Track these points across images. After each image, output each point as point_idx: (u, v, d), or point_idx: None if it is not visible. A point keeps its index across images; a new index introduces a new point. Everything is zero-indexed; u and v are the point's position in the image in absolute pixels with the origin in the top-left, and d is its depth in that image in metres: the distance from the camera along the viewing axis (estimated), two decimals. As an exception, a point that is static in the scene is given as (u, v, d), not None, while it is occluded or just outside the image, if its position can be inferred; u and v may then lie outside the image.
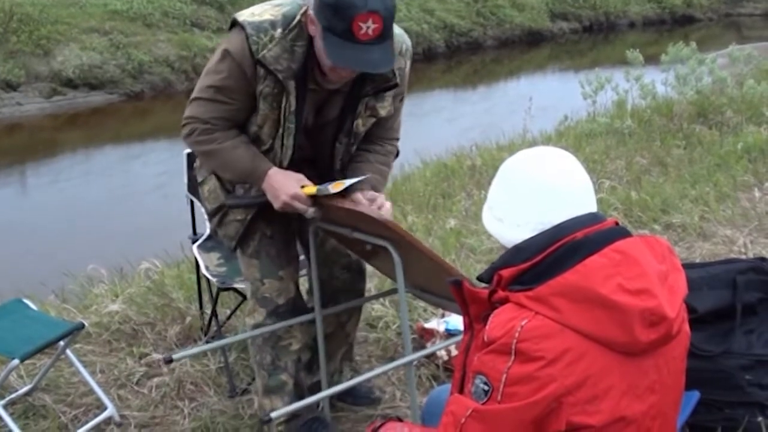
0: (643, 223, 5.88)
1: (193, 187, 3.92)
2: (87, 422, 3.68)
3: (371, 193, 3.09)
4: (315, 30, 2.89)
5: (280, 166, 3.13)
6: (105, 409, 3.73)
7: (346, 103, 3.15)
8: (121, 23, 17.76)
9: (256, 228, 3.27)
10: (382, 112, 3.19)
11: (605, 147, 8.50)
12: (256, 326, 3.32)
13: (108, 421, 3.70)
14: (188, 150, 4.00)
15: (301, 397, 3.38)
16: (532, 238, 1.98)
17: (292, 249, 3.40)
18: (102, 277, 5.18)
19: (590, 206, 2.04)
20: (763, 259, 3.80)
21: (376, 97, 3.15)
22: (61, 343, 3.74)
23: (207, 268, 4.00)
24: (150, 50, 17.21)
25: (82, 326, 3.82)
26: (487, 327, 1.91)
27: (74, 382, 3.98)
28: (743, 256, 4.97)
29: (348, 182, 2.96)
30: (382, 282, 4.52)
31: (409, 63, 3.20)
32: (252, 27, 2.93)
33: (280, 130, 3.08)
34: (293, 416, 3.43)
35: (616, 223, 2.03)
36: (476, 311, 2.03)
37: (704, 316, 3.48)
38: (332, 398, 3.67)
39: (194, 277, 4.43)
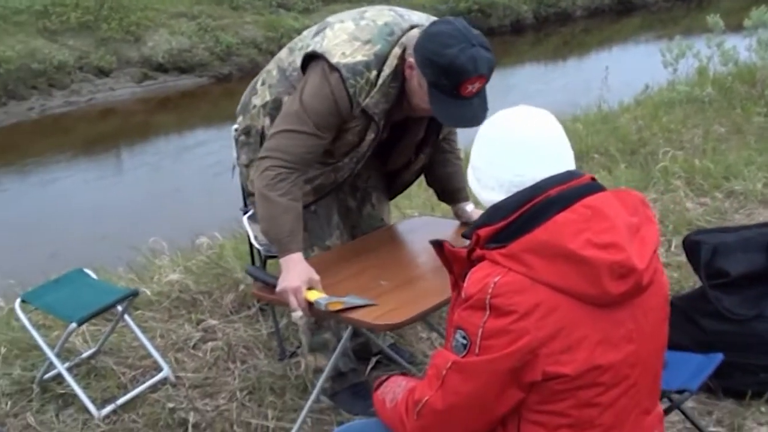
0: (704, 191, 5.85)
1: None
2: (144, 382, 3.90)
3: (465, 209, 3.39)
4: (412, 74, 3.00)
5: (338, 181, 3.33)
6: (161, 370, 3.94)
7: (430, 125, 3.33)
8: (208, 7, 18.04)
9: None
10: None
11: (683, 116, 8.37)
12: None
13: (164, 381, 3.92)
14: (236, 125, 4.15)
15: (346, 356, 3.57)
16: (508, 197, 2.04)
17: (333, 219, 3.54)
18: (164, 250, 5.42)
19: (567, 163, 2.09)
20: (801, 223, 3.78)
21: None
22: (119, 308, 3.98)
23: (255, 237, 4.16)
24: (237, 32, 17.47)
25: (137, 292, 4.06)
26: (464, 284, 2.01)
27: (134, 346, 4.21)
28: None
29: (348, 302, 2.90)
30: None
31: None
32: (347, 70, 3.01)
33: (356, 155, 3.25)
34: (339, 374, 3.59)
35: (593, 179, 2.09)
36: (458, 270, 2.12)
37: (737, 280, 3.51)
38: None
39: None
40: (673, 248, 4.90)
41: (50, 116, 14.83)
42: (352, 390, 3.63)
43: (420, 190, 6.06)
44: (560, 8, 23.50)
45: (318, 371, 3.55)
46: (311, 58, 3.12)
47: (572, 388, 1.94)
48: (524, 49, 21.22)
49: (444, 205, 3.94)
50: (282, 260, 3.06)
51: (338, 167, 3.32)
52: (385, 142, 3.37)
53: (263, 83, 3.42)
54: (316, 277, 2.99)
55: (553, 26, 23.23)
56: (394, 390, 2.28)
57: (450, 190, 3.58)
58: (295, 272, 2.98)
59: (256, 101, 3.41)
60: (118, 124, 15.08)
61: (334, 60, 3.02)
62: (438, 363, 2.04)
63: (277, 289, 2.98)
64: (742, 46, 10.18)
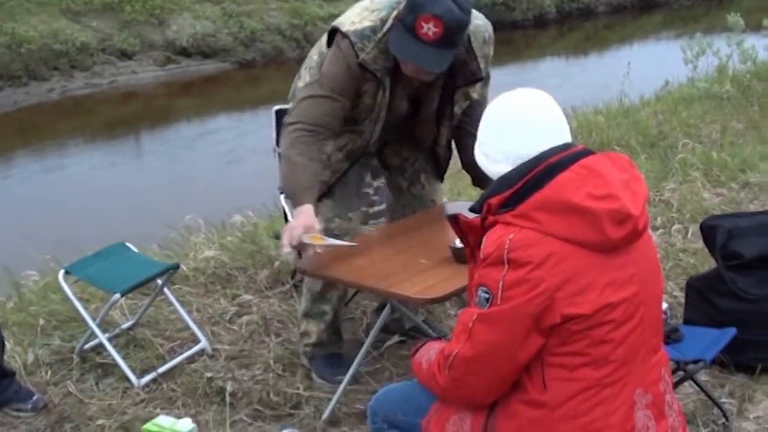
0: (721, 182, 6.04)
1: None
2: (182, 353, 4.09)
3: None
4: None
5: (367, 144, 3.58)
6: (198, 342, 4.13)
7: (443, 96, 3.54)
8: (233, -8, 18.22)
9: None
10: (475, 96, 3.59)
11: (702, 112, 8.56)
12: None
13: (201, 353, 4.10)
14: (277, 107, 4.34)
15: (335, 329, 3.86)
16: (514, 168, 2.28)
17: (362, 197, 3.77)
18: (200, 227, 5.62)
19: (564, 136, 2.34)
20: (813, 209, 3.95)
21: (469, 86, 3.53)
22: (159, 281, 4.17)
23: (292, 215, 4.34)
24: (262, 18, 17.67)
25: (178, 266, 4.24)
26: (481, 247, 2.24)
27: (172, 319, 4.40)
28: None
29: (328, 240, 3.30)
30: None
31: (492, 48, 3.55)
32: (355, 36, 3.32)
33: (373, 117, 3.49)
34: (321, 343, 3.86)
35: (584, 148, 2.33)
36: (473, 239, 2.36)
37: (751, 262, 3.70)
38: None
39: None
40: (689, 235, 5.08)
41: (71, 98, 15.03)
42: (326, 358, 3.88)
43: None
44: (583, 3, 23.64)
45: (305, 335, 3.87)
46: (332, 34, 3.43)
47: (587, 327, 2.16)
48: (546, 43, 21.38)
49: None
50: (294, 211, 3.37)
51: (361, 131, 3.57)
52: (407, 116, 3.62)
53: (305, 67, 3.66)
54: (317, 225, 3.29)
55: (576, 21, 23.33)
56: (428, 353, 2.48)
57: (483, 176, 3.74)
58: (301, 220, 3.28)
59: (299, 84, 3.64)
60: (140, 107, 15.28)
61: (344, 29, 3.34)
62: (464, 319, 2.27)
63: (287, 227, 3.32)
64: (761, 46, 10.34)
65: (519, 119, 2.33)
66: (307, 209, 3.31)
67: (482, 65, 3.49)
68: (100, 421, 3.61)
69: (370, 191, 4.41)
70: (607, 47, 20.80)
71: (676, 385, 3.10)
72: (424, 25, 3.10)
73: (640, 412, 2.26)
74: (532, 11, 22.05)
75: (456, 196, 5.59)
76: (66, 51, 15.32)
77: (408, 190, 3.91)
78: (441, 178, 3.98)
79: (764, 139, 7.15)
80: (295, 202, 3.38)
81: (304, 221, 3.25)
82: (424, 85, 3.49)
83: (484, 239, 2.24)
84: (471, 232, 2.38)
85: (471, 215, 2.41)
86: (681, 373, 3.22)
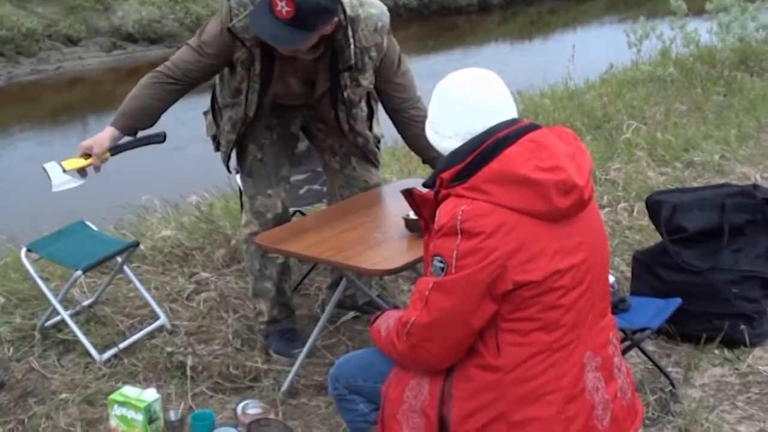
0: (665, 162, 6.22)
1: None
2: (142, 329, 4.15)
3: None
4: None
5: (247, 116, 3.70)
6: (158, 318, 4.20)
7: (331, 78, 3.62)
8: (178, -23, 18.14)
9: (249, 151, 3.84)
10: (364, 83, 3.65)
11: (646, 94, 8.72)
12: (251, 235, 3.83)
13: (160, 329, 4.17)
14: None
15: (283, 304, 3.98)
16: (464, 144, 2.39)
17: (281, 171, 3.90)
18: (156, 208, 5.66)
19: (511, 112, 2.46)
20: (755, 186, 4.10)
21: (357, 71, 3.58)
22: (119, 259, 4.22)
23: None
24: (207, 4, 17.61)
25: (137, 244, 4.31)
26: (435, 219, 2.35)
27: (131, 297, 4.47)
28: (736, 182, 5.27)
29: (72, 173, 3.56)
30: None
31: (386, 38, 3.60)
32: (235, 2, 3.42)
33: (247, 87, 3.60)
34: (274, 320, 3.98)
35: (531, 122, 2.45)
36: (428, 212, 2.46)
37: (694, 235, 3.84)
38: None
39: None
40: (635, 213, 5.24)
41: (17, 84, 14.87)
42: (281, 333, 3.99)
43: (393, 160, 6.42)
44: (527, -12, 23.78)
45: (259, 314, 3.99)
46: None
47: (538, 293, 2.28)
48: (491, 28, 21.53)
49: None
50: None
51: (240, 102, 3.68)
52: (305, 96, 3.75)
53: None
54: (99, 150, 3.52)
55: (520, 6, 23.51)
56: (387, 321, 2.59)
57: (431, 158, 3.84)
58: (94, 138, 3.53)
59: None
60: (87, 93, 15.14)
61: None
62: (420, 287, 2.38)
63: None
64: (703, 29, 10.53)
65: (467, 97, 2.43)
66: (107, 131, 3.55)
67: (374, 53, 3.55)
68: (63, 395, 3.67)
69: (300, 177, 4.52)
70: (552, 32, 21.02)
71: (623, 352, 3.23)
72: (278, 2, 3.19)
73: (590, 374, 2.38)
74: (477, -4, 22.20)
75: (407, 176, 5.67)
76: (12, 37, 15.18)
77: (341, 171, 4.00)
78: (371, 162, 4.03)
79: (707, 119, 7.34)
80: (111, 122, 3.58)
81: (90, 140, 3.52)
82: (309, 66, 3.59)
83: (437, 211, 2.34)
84: (425, 205, 2.48)
85: (425, 190, 2.50)
86: (629, 342, 3.36)
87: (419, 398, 2.44)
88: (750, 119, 7.08)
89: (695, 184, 5.78)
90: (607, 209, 5.30)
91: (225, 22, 3.44)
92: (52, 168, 3.51)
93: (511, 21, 22.69)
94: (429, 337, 2.36)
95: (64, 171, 3.52)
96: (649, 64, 10.07)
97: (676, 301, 3.49)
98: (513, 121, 2.41)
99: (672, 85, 9.09)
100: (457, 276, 2.27)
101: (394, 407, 2.49)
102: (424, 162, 3.95)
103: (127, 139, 3.63)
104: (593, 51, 12.70)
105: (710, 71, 9.44)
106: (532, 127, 2.40)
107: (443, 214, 2.31)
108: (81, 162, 3.51)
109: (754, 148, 6.36)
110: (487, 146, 2.33)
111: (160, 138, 3.76)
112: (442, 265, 2.29)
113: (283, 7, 3.19)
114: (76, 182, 3.55)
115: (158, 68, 3.59)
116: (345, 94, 3.65)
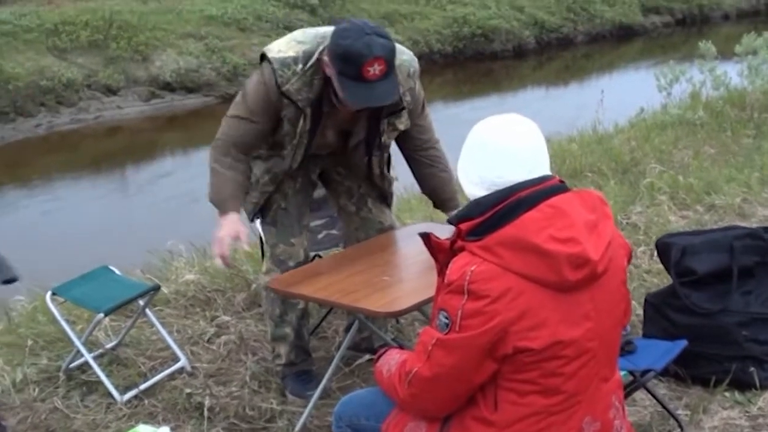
0: (687, 205, 6.23)
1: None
2: (163, 371, 4.26)
3: None
4: (330, 71, 3.46)
5: (291, 168, 3.80)
6: (178, 360, 4.31)
7: (369, 126, 3.74)
8: (216, 28, 18.39)
9: (274, 201, 3.92)
10: (401, 126, 3.78)
11: (675, 138, 8.71)
12: None
13: (181, 370, 4.28)
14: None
15: (301, 348, 4.07)
16: (488, 195, 2.38)
17: (303, 219, 4.01)
18: (181, 252, 5.79)
19: (542, 169, 2.41)
20: (766, 228, 4.12)
21: (393, 116, 3.72)
22: (141, 302, 4.34)
23: (266, 240, 4.51)
24: (244, 53, 17.77)
25: (158, 287, 4.43)
26: (447, 271, 2.37)
27: (153, 339, 4.57)
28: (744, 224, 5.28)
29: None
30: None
31: (418, 82, 3.75)
32: (278, 62, 3.53)
33: (295, 143, 3.70)
34: (291, 363, 4.07)
35: (561, 182, 2.43)
36: (443, 258, 2.48)
37: (704, 278, 3.87)
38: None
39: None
40: (654, 257, 5.21)
41: (57, 133, 15.08)
42: (297, 375, 4.09)
43: (421, 204, 6.46)
44: (562, 33, 23.86)
45: (276, 356, 4.09)
46: (262, 57, 3.65)
47: (539, 360, 2.29)
48: (525, 74, 21.59)
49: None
50: (220, 219, 3.62)
51: (284, 155, 3.77)
52: (337, 147, 3.86)
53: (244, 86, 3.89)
54: (244, 230, 3.60)
55: (555, 51, 23.58)
56: (389, 362, 2.66)
57: (441, 200, 4.01)
58: (225, 228, 3.57)
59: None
60: (125, 141, 15.35)
61: (270, 55, 3.56)
62: (425, 339, 2.42)
63: (215, 237, 3.58)
64: (734, 72, 10.51)
65: (498, 146, 2.39)
66: (232, 217, 3.61)
67: (408, 98, 3.66)
68: (84, 435, 3.77)
69: (318, 222, 4.58)
70: (587, 76, 20.99)
71: (628, 394, 3.27)
72: (370, 69, 3.30)
73: None
74: (512, 42, 22.27)
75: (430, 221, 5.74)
76: (52, 87, 15.43)
77: (357, 213, 4.09)
78: (387, 204, 4.14)
79: (729, 162, 7.35)
80: (221, 211, 3.64)
81: (229, 230, 3.55)
82: (349, 117, 3.69)
83: (451, 264, 2.36)
84: (440, 252, 2.50)
85: (442, 233, 2.55)
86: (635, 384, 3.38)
87: (416, 440, 2.49)
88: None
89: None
90: (627, 253, 5.29)
91: (270, 84, 3.53)
92: None
93: (546, 66, 22.73)
94: (430, 389, 2.41)
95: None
96: (679, 107, 10.07)
97: (682, 343, 3.52)
98: (540, 180, 2.37)
99: (701, 128, 9.07)
100: (459, 336, 2.30)
101: (392, 446, 2.55)
102: (435, 206, 4.03)
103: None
104: (625, 95, 12.73)
105: (740, 114, 9.44)
106: (557, 190, 2.36)
107: (454, 270, 2.32)
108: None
109: (775, 191, 6.36)
110: (507, 206, 2.31)
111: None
112: (447, 321, 2.32)
113: (375, 70, 3.30)
114: None
115: (220, 149, 3.68)
116: (382, 140, 3.76)
